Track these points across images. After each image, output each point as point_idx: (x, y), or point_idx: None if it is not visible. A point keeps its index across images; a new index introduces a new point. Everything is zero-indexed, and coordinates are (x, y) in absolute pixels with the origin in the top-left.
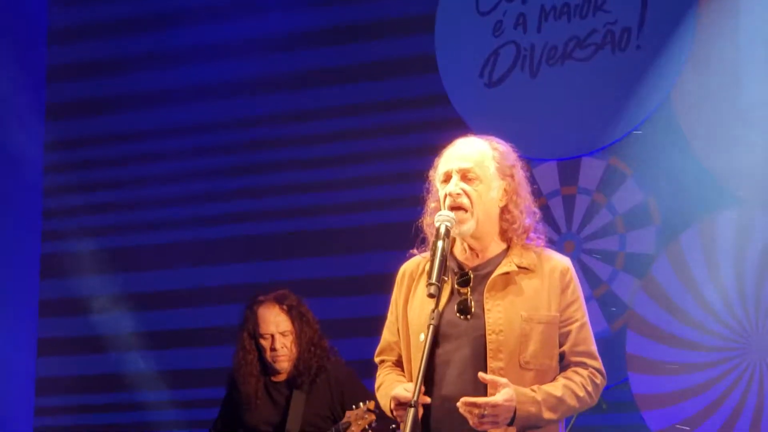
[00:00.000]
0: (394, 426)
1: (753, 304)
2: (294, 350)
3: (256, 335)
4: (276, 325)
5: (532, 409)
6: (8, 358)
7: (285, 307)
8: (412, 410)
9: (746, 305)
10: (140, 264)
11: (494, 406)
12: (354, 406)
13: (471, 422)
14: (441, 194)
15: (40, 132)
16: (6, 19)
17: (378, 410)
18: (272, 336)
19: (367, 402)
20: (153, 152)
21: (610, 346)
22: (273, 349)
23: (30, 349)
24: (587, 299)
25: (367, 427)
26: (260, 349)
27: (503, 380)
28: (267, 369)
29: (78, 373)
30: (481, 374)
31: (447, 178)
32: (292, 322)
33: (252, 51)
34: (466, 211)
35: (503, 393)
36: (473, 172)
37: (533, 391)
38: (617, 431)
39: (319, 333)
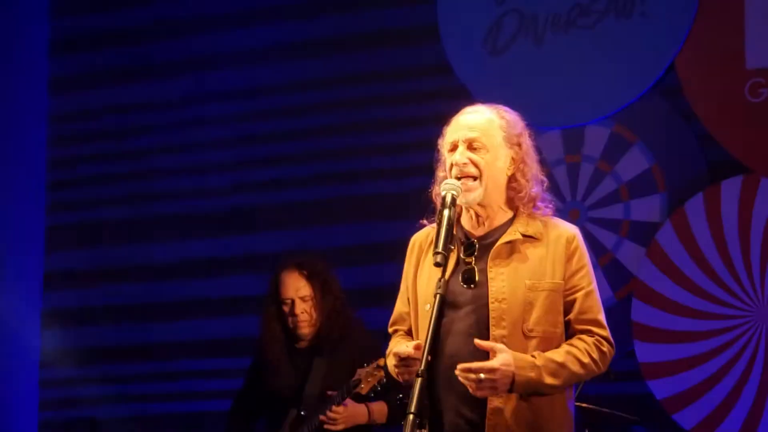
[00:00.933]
0: (401, 395)
1: (758, 271)
2: (315, 315)
3: (278, 301)
4: (296, 289)
5: (532, 374)
6: (13, 331)
7: (306, 272)
8: (419, 380)
9: (752, 273)
10: (156, 234)
11: (491, 370)
12: (365, 364)
13: (470, 389)
14: (448, 163)
15: (44, 105)
16: None
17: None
18: (292, 301)
19: (377, 360)
20: (159, 124)
21: (616, 315)
22: (293, 315)
23: (33, 322)
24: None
25: (376, 384)
26: (283, 316)
27: (500, 346)
28: (290, 335)
29: (83, 345)
30: (477, 341)
31: (454, 148)
32: (313, 288)
33: (259, 20)
34: (475, 179)
35: (500, 357)
36: (480, 141)
37: (533, 356)
38: (623, 400)
39: (344, 301)
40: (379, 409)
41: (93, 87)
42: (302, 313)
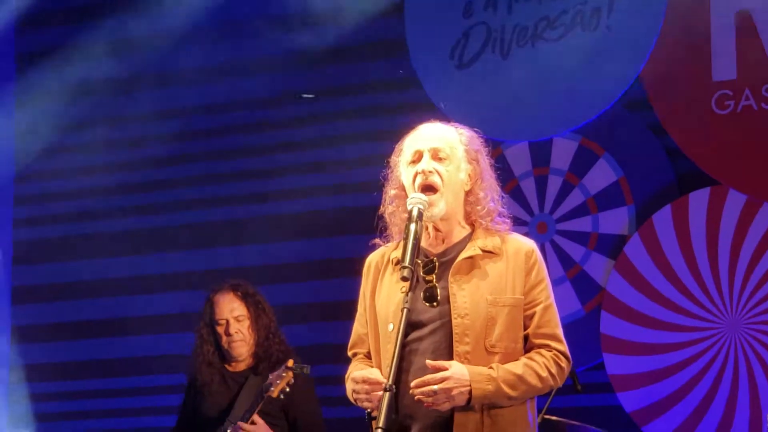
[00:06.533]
0: (369, 411)
1: (726, 283)
2: (250, 336)
3: (212, 323)
4: (230, 310)
5: (489, 387)
6: None
7: (240, 293)
8: (387, 394)
9: (720, 285)
10: (112, 250)
11: (443, 379)
12: (277, 367)
13: (426, 404)
14: (410, 173)
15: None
16: None
17: (295, 369)
18: (227, 321)
19: (287, 362)
20: (108, 140)
21: (584, 327)
22: (228, 334)
23: (4, 336)
24: (561, 280)
25: (285, 386)
26: (217, 338)
27: (452, 362)
28: (225, 358)
29: (50, 360)
30: (428, 362)
31: (418, 158)
32: (248, 308)
33: (220, 35)
34: (436, 191)
35: (452, 368)
36: (444, 152)
37: (490, 368)
38: (592, 413)
39: (276, 323)
40: None
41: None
42: (236, 332)
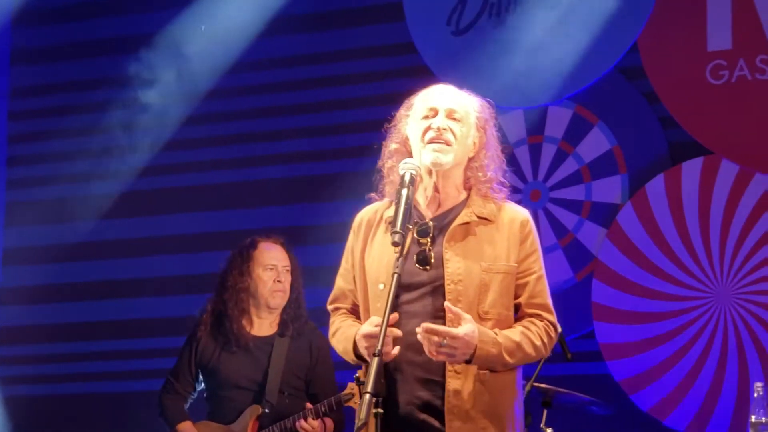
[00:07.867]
0: (358, 375)
1: (717, 253)
2: (288, 291)
3: (254, 269)
4: (279, 259)
5: (493, 350)
6: None
7: (285, 248)
8: (376, 359)
9: (711, 254)
10: (107, 212)
11: (454, 337)
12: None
13: (427, 350)
14: (421, 126)
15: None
16: None
17: None
18: (277, 268)
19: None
20: (121, 99)
21: (576, 296)
22: (278, 281)
23: None
24: (553, 248)
25: None
26: (253, 286)
27: (468, 316)
28: (250, 313)
29: (39, 322)
30: (447, 304)
31: (432, 114)
32: (291, 263)
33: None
34: (449, 145)
35: (465, 327)
36: (459, 114)
37: (495, 333)
38: (582, 381)
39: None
40: (330, 426)
41: (55, 60)
42: (285, 281)
